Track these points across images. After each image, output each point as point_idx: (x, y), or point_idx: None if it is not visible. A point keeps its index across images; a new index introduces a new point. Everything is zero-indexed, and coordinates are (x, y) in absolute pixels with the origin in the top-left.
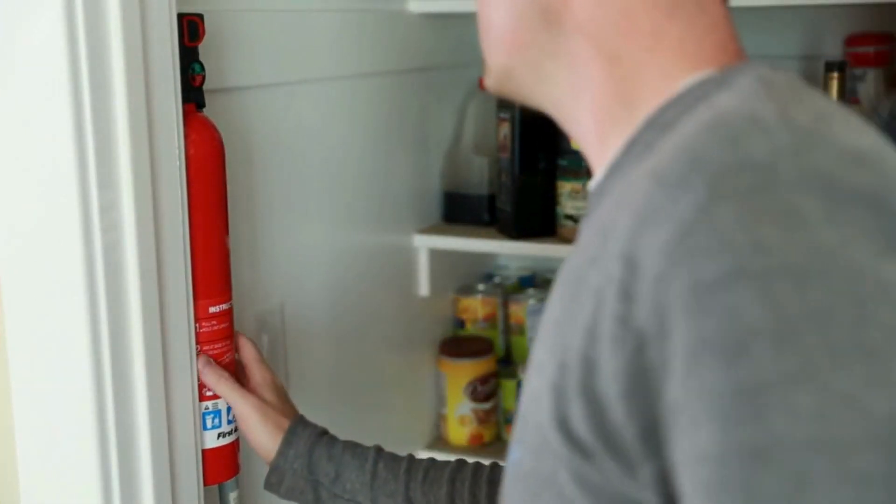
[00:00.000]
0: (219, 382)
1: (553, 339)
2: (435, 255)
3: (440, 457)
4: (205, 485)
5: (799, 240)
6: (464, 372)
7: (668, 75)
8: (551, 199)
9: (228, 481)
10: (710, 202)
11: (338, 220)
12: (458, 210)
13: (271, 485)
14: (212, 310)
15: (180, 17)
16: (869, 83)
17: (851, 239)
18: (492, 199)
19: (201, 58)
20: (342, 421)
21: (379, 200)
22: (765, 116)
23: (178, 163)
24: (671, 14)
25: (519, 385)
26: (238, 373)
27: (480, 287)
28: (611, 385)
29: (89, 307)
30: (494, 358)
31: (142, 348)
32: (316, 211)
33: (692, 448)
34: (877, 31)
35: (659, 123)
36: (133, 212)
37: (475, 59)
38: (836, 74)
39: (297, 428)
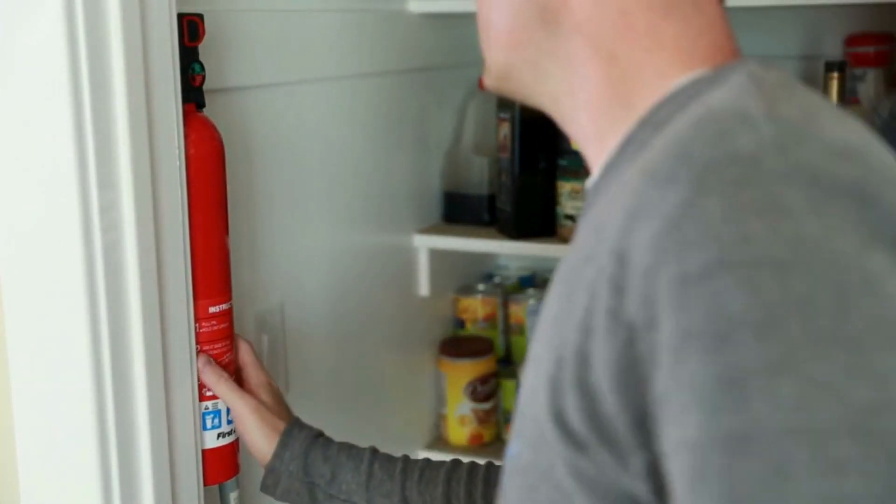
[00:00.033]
0: (218, 383)
1: (550, 335)
2: (435, 255)
3: (440, 457)
4: (205, 485)
5: (783, 231)
6: (464, 372)
7: (663, 75)
8: (551, 199)
9: (229, 481)
10: (697, 195)
11: (338, 220)
12: (458, 210)
13: (267, 486)
14: (212, 310)
15: (180, 17)
16: (869, 83)
17: (835, 230)
18: (492, 199)
19: (201, 58)
20: (342, 421)
21: (379, 200)
22: (752, 111)
23: (178, 163)
24: (667, 14)
25: (519, 385)
26: (236, 374)
27: (480, 287)
28: (603, 377)
29: (89, 307)
30: (494, 358)
31: (142, 348)
32: (316, 211)
33: (678, 437)
34: (877, 31)
35: (652, 122)
36: (133, 212)
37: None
38: (836, 74)
39: (293, 430)
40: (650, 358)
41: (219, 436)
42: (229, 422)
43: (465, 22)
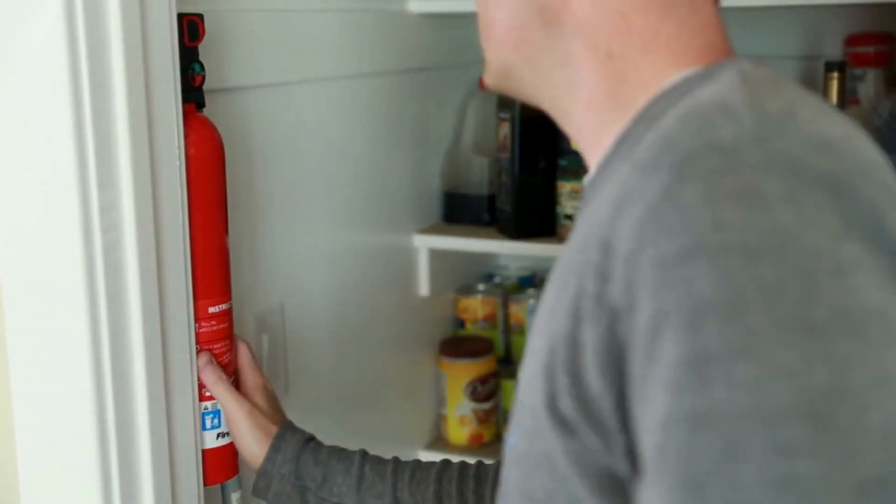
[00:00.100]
0: (217, 384)
1: (545, 325)
2: (435, 255)
3: (440, 457)
4: (205, 485)
5: (757, 219)
6: (464, 372)
7: (658, 74)
8: (551, 199)
9: (230, 482)
10: (677, 182)
11: (338, 220)
12: (458, 210)
13: (259, 490)
14: (211, 310)
15: (180, 17)
16: (869, 83)
17: (809, 220)
18: (492, 199)
19: (201, 58)
20: (342, 421)
21: (379, 200)
22: (734, 104)
23: (178, 163)
24: (664, 15)
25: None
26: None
27: (480, 287)
28: (590, 361)
29: (89, 307)
30: (494, 358)
31: (142, 348)
32: (316, 211)
33: (649, 417)
34: (877, 31)
35: (646, 119)
36: (133, 212)
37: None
38: (836, 74)
39: (286, 434)
40: (629, 340)
41: (218, 436)
42: None
43: (465, 22)
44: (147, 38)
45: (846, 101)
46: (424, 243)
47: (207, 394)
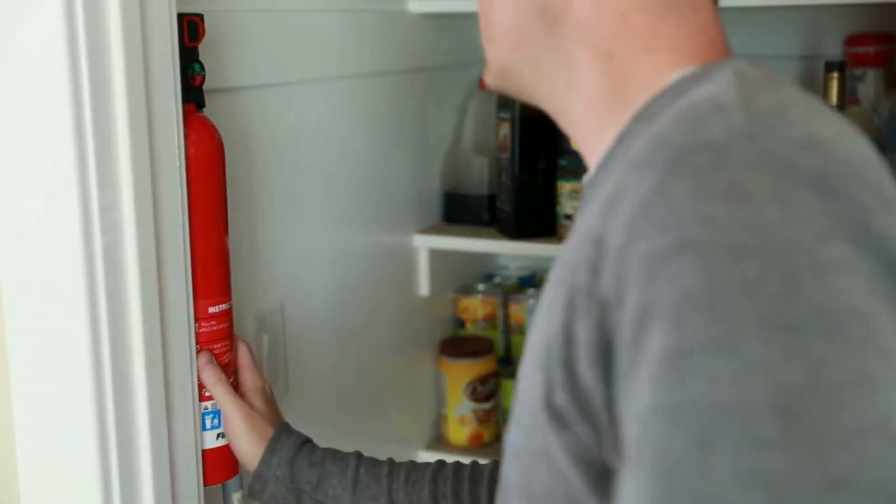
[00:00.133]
0: (216, 384)
1: (543, 322)
2: (435, 255)
3: (441, 457)
4: (205, 485)
5: (743, 216)
6: (464, 372)
7: (657, 74)
8: (551, 199)
9: (231, 482)
10: (668, 179)
11: (338, 220)
12: (458, 210)
13: (254, 492)
14: (211, 310)
15: (180, 17)
16: (869, 83)
17: (795, 219)
18: (492, 199)
19: (201, 58)
20: (342, 421)
21: (379, 200)
22: (727, 101)
23: (178, 163)
24: (664, 16)
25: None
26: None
27: (480, 287)
28: (583, 355)
29: (89, 307)
30: (494, 358)
31: (142, 348)
32: (316, 211)
33: (630, 410)
34: (877, 31)
35: (644, 117)
36: (133, 212)
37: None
38: (836, 74)
39: (282, 436)
40: (617, 334)
41: (218, 436)
42: None
43: (465, 22)
44: (147, 38)
45: (846, 101)
46: (424, 243)
47: (207, 394)
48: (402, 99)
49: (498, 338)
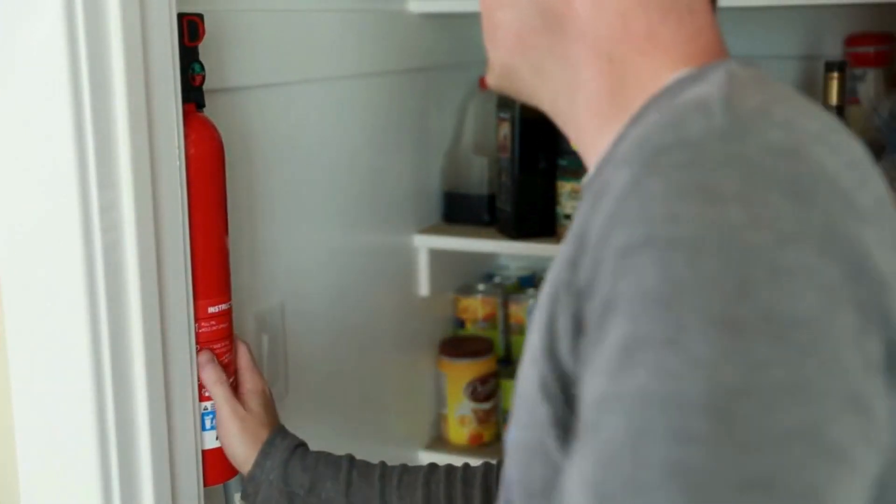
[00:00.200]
0: (215, 385)
1: (537, 320)
2: (435, 255)
3: (440, 457)
4: (205, 485)
5: (707, 214)
6: (464, 372)
7: (657, 76)
8: (551, 199)
9: (232, 482)
10: (643, 175)
11: (338, 220)
12: (458, 210)
13: (248, 495)
14: (211, 310)
15: (180, 17)
16: (869, 83)
17: (758, 221)
18: (492, 199)
19: (201, 58)
20: (342, 421)
21: (379, 200)
22: (711, 101)
23: (178, 163)
24: (664, 19)
25: None
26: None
27: (480, 287)
28: (564, 346)
29: (89, 307)
30: (494, 358)
31: (142, 348)
32: (316, 211)
33: (585, 395)
34: (877, 31)
35: (639, 119)
36: (133, 212)
37: (475, 59)
38: (836, 74)
39: (276, 439)
40: (586, 322)
41: (218, 436)
42: None
43: (465, 22)
44: (147, 38)
45: (846, 101)
46: (424, 243)
47: (207, 394)
48: (402, 99)
49: (498, 338)
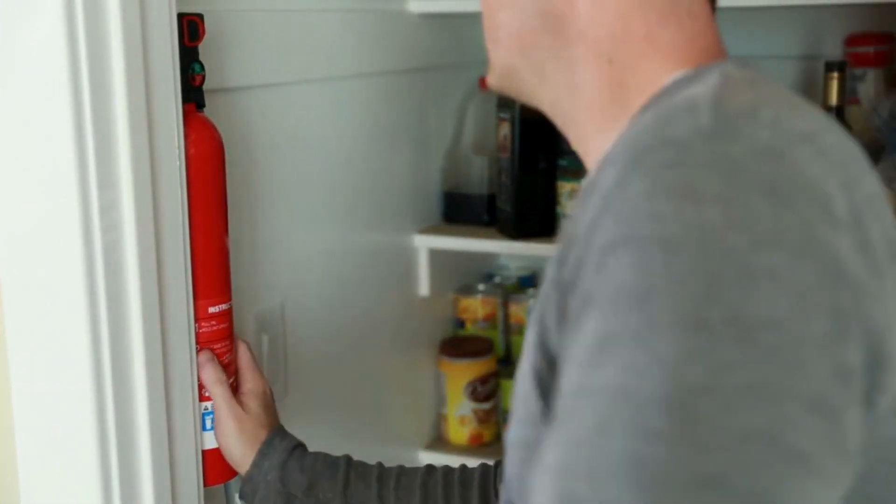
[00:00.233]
0: (214, 384)
1: (532, 318)
2: (435, 255)
3: (441, 457)
4: (205, 485)
5: (685, 213)
6: (464, 372)
7: (656, 78)
8: (551, 199)
9: (233, 482)
10: (629, 174)
11: (338, 220)
12: (458, 210)
13: (245, 495)
14: (211, 310)
15: (180, 17)
16: (869, 83)
17: (737, 222)
18: (492, 199)
19: (201, 58)
20: (342, 421)
21: (379, 200)
22: (700, 102)
23: (178, 163)
24: (664, 21)
25: None
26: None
27: (480, 287)
28: (552, 337)
29: (89, 307)
30: (494, 358)
31: (142, 348)
32: (316, 211)
33: (562, 385)
34: (877, 31)
35: (637, 120)
36: (133, 212)
37: (475, 59)
38: (836, 74)
39: (274, 440)
40: (569, 316)
41: (216, 436)
42: None
43: (465, 22)
44: (147, 38)
45: (846, 101)
46: (424, 243)
47: (207, 394)
48: (402, 99)
49: (498, 338)
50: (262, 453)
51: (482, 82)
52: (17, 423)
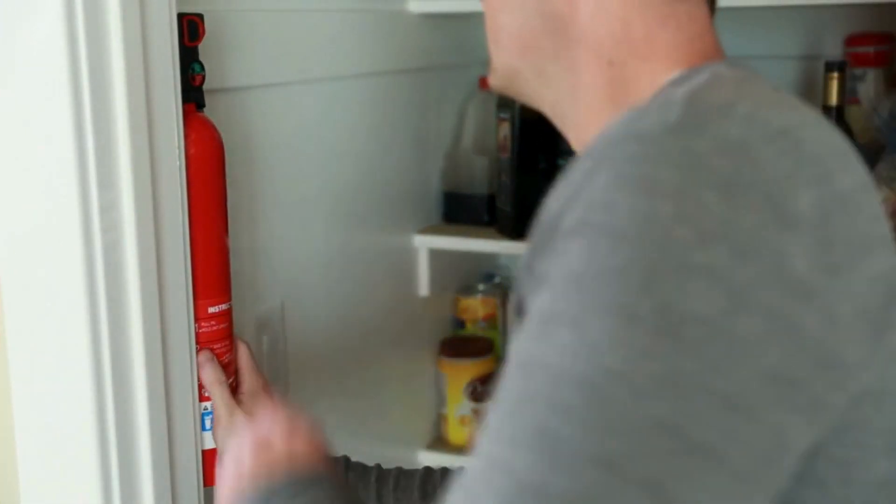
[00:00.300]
0: (213, 384)
1: (513, 306)
2: (435, 255)
3: (441, 457)
4: (205, 485)
5: (638, 206)
6: (464, 372)
7: (655, 80)
8: None
9: None
10: (597, 166)
11: (338, 220)
12: (458, 210)
13: None
14: (211, 310)
15: (180, 17)
16: (869, 83)
17: (685, 217)
18: (492, 199)
19: (201, 58)
20: (342, 421)
21: (379, 200)
22: (674, 97)
23: (178, 163)
24: (664, 24)
25: None
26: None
27: (480, 287)
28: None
29: (89, 307)
30: (494, 358)
31: (142, 348)
32: (316, 211)
33: (509, 357)
34: (877, 31)
35: None
36: (133, 212)
37: (475, 59)
38: (836, 74)
39: None
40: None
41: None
42: None
43: (465, 22)
44: (147, 38)
45: (846, 101)
46: (424, 243)
47: (207, 394)
48: (402, 99)
49: (498, 338)
50: None
51: (482, 82)
52: (17, 423)
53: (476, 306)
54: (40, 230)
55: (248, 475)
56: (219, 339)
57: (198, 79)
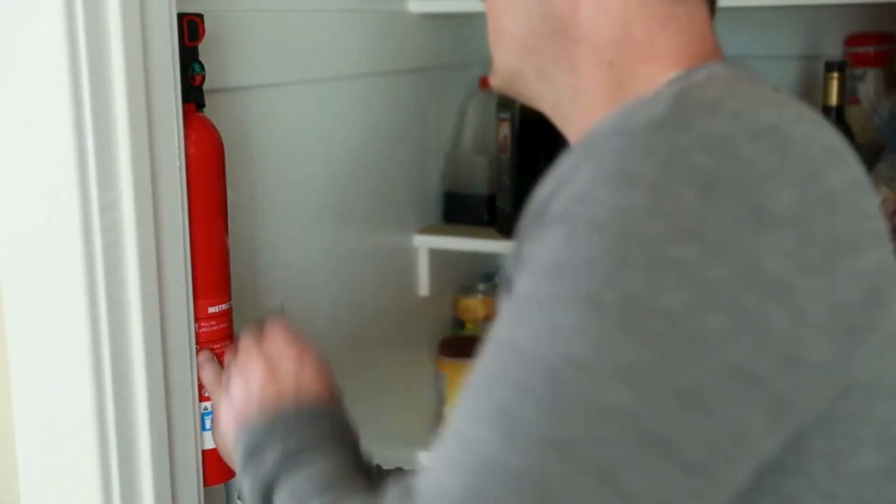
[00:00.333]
0: (213, 384)
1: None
2: (435, 255)
3: None
4: (205, 485)
5: (616, 199)
6: (464, 372)
7: (655, 80)
8: None
9: (233, 482)
10: (583, 159)
11: (338, 220)
12: (458, 210)
13: (241, 496)
14: (211, 310)
15: (180, 17)
16: (869, 83)
17: (661, 211)
18: (492, 199)
19: (201, 58)
20: None
21: (379, 200)
22: (666, 95)
23: (178, 163)
24: (665, 25)
25: None
26: None
27: (480, 287)
28: None
29: (89, 307)
30: None
31: (142, 348)
32: (316, 211)
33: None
34: (877, 31)
35: None
36: (133, 212)
37: (475, 59)
38: (836, 74)
39: None
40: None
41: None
42: None
43: (465, 22)
44: (147, 38)
45: (846, 101)
46: (424, 243)
47: (207, 394)
48: (402, 99)
49: None
50: None
51: (482, 82)
52: (17, 423)
53: (476, 306)
54: (40, 230)
55: (255, 400)
56: (219, 339)
57: (198, 79)
